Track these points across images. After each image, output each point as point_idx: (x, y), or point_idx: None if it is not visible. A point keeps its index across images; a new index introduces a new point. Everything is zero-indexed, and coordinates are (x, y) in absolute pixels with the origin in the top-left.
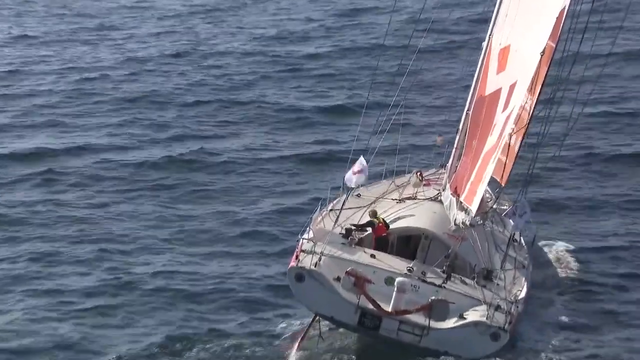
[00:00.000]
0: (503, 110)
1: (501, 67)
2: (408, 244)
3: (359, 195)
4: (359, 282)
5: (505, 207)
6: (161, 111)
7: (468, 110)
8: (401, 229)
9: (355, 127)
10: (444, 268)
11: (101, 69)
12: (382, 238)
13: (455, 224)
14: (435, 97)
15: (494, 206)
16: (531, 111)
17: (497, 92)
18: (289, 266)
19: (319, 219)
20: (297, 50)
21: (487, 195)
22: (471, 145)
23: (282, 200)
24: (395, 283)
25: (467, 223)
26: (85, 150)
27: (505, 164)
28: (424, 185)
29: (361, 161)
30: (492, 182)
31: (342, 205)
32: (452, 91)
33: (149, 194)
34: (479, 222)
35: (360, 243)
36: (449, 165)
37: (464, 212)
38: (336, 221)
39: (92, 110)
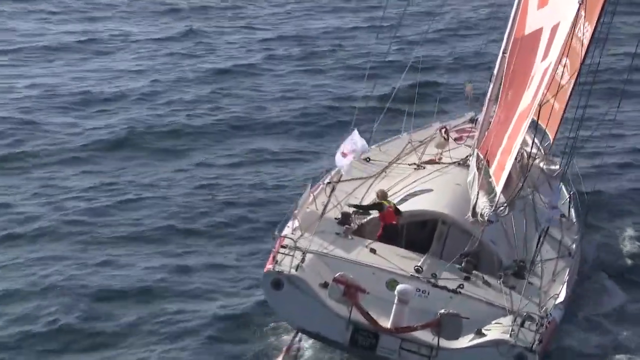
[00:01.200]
0: (543, 59)
1: (544, 1)
2: (423, 229)
3: (367, 160)
4: (349, 291)
5: (555, 168)
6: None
7: (504, 51)
8: (412, 213)
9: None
10: (463, 265)
11: (39, 50)
12: (392, 226)
13: (472, 215)
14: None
15: (543, 165)
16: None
17: (537, 34)
18: (264, 270)
19: (310, 199)
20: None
21: (532, 148)
22: (506, 96)
23: (266, 186)
24: (396, 292)
25: (485, 217)
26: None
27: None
28: (456, 139)
29: (353, 138)
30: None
31: (340, 176)
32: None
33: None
34: (502, 214)
35: (360, 232)
36: (480, 119)
37: (487, 196)
38: (328, 201)
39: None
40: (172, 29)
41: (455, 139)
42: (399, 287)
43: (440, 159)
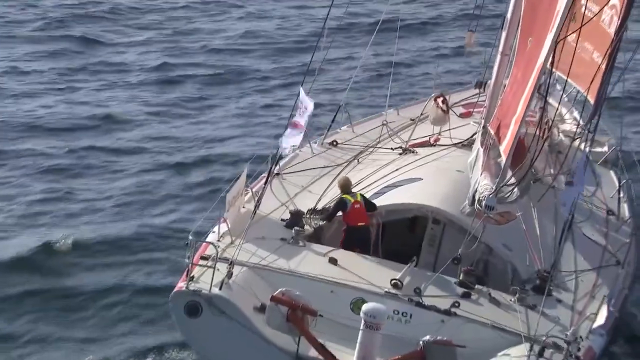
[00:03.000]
0: None
1: None
2: (411, 232)
3: (334, 144)
4: (295, 315)
5: (602, 150)
6: None
7: None
8: (390, 209)
9: None
10: (460, 277)
11: None
12: (360, 230)
13: (469, 204)
14: None
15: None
16: None
17: None
18: (175, 290)
19: (248, 195)
20: None
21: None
22: (525, 45)
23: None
24: (362, 313)
25: (483, 203)
26: None
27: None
28: (462, 115)
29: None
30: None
31: (273, 163)
32: None
33: None
34: (507, 199)
35: (317, 236)
36: (489, 84)
37: (491, 179)
38: (261, 194)
39: None
40: None
41: (461, 115)
42: (366, 306)
43: (437, 140)
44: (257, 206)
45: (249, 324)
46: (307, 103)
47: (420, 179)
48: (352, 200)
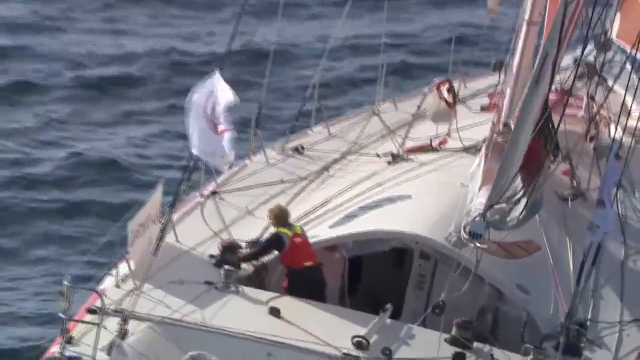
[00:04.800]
0: None
1: None
2: (398, 269)
3: (299, 149)
4: None
5: None
6: None
7: None
8: (359, 239)
9: None
10: (454, 331)
11: None
12: (307, 272)
13: (455, 230)
14: None
15: None
16: None
17: None
18: (45, 355)
19: (158, 224)
20: None
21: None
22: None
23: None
24: None
25: (466, 230)
26: None
27: None
28: (486, 109)
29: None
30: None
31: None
32: None
33: None
34: (503, 224)
35: (260, 279)
36: (511, 65)
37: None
38: (165, 223)
39: None
40: None
41: (484, 108)
42: None
43: (444, 142)
44: (161, 237)
45: None
46: (222, 92)
47: (409, 196)
48: (291, 234)
